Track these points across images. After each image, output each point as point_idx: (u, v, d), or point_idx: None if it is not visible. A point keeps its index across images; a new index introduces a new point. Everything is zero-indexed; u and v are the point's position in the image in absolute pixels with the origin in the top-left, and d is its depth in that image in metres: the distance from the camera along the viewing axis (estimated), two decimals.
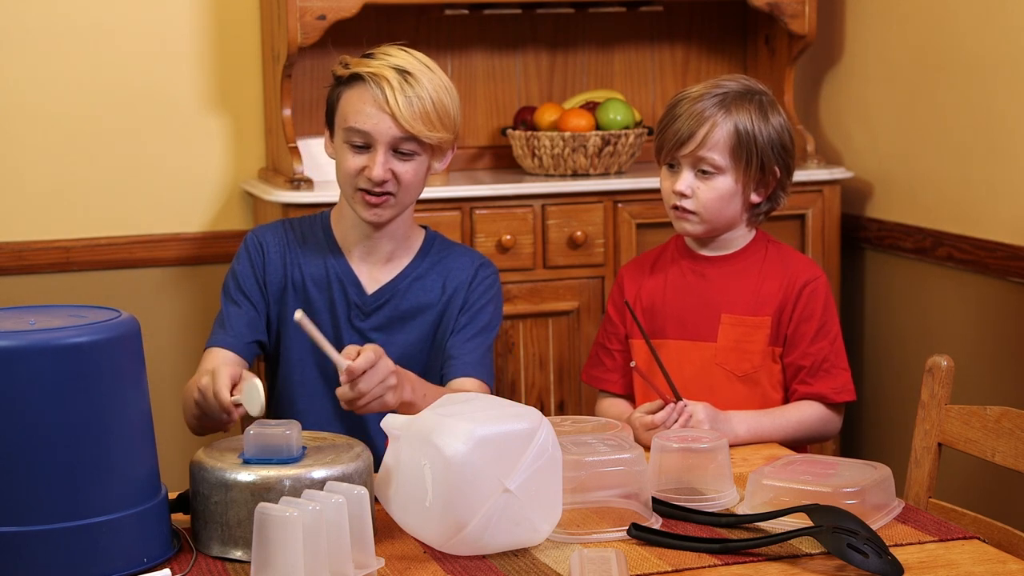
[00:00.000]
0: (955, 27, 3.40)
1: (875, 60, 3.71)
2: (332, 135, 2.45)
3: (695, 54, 3.98)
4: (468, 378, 2.42)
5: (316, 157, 3.54)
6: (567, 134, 3.55)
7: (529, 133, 3.60)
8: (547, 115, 3.66)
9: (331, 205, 3.26)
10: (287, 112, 3.48)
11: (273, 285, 2.46)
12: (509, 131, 3.66)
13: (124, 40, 3.57)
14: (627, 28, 3.92)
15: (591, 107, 3.68)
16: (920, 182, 3.56)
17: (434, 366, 2.48)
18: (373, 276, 2.47)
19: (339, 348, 2.43)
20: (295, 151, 3.42)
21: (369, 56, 2.40)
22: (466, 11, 3.68)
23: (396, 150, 2.36)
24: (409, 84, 2.34)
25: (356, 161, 2.37)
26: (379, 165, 2.35)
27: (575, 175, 3.58)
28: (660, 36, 3.95)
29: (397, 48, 2.41)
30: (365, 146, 2.36)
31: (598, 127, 3.61)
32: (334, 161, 2.47)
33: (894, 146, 3.65)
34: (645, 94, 3.95)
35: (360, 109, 2.35)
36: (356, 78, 2.36)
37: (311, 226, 2.51)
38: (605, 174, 3.59)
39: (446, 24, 3.76)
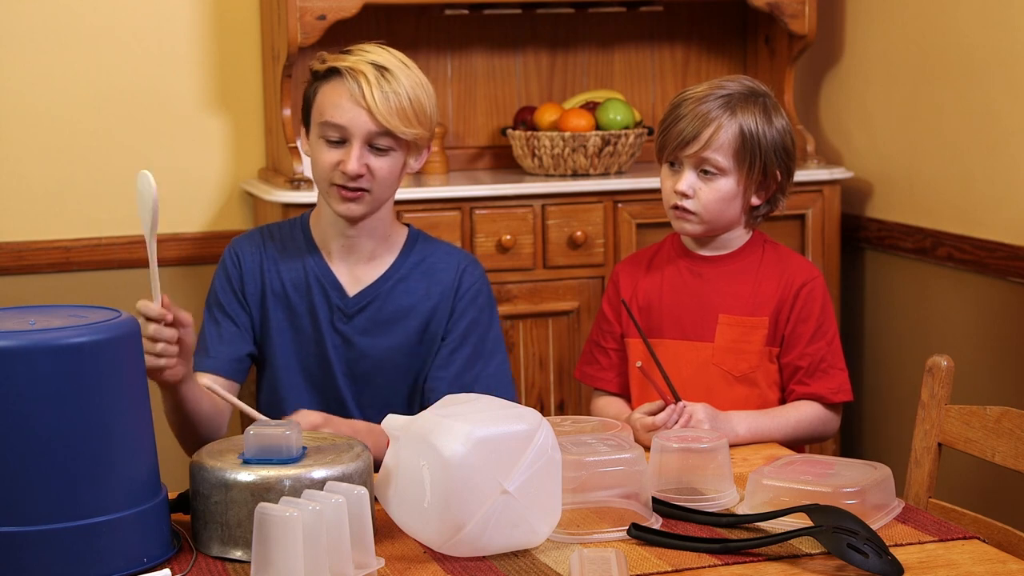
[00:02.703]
0: (955, 27, 3.40)
1: (875, 60, 3.71)
2: (308, 132, 2.43)
3: (695, 54, 3.98)
4: None
5: None
6: (567, 134, 3.55)
7: (529, 133, 3.60)
8: (547, 115, 3.66)
9: None
10: (287, 112, 3.48)
11: (252, 295, 2.44)
12: (509, 131, 3.66)
13: (124, 40, 3.57)
14: (627, 28, 3.92)
15: (591, 107, 3.68)
16: (920, 182, 3.56)
17: (419, 374, 2.46)
18: (355, 276, 2.45)
19: (323, 350, 2.43)
20: (295, 151, 3.42)
21: (347, 52, 2.38)
22: (466, 11, 3.68)
23: (372, 145, 2.35)
24: (386, 79, 2.33)
25: (331, 156, 2.35)
26: (354, 159, 2.33)
27: (575, 175, 3.58)
28: (660, 36, 3.95)
29: (375, 45, 2.40)
30: (341, 141, 2.35)
31: (598, 127, 3.61)
32: (311, 156, 2.46)
33: (894, 146, 3.65)
34: (645, 94, 3.95)
35: (336, 103, 2.34)
36: (332, 72, 2.36)
37: (290, 230, 2.49)
38: (605, 174, 3.59)
39: (446, 24, 3.77)
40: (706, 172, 2.42)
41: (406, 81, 2.35)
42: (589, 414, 2.58)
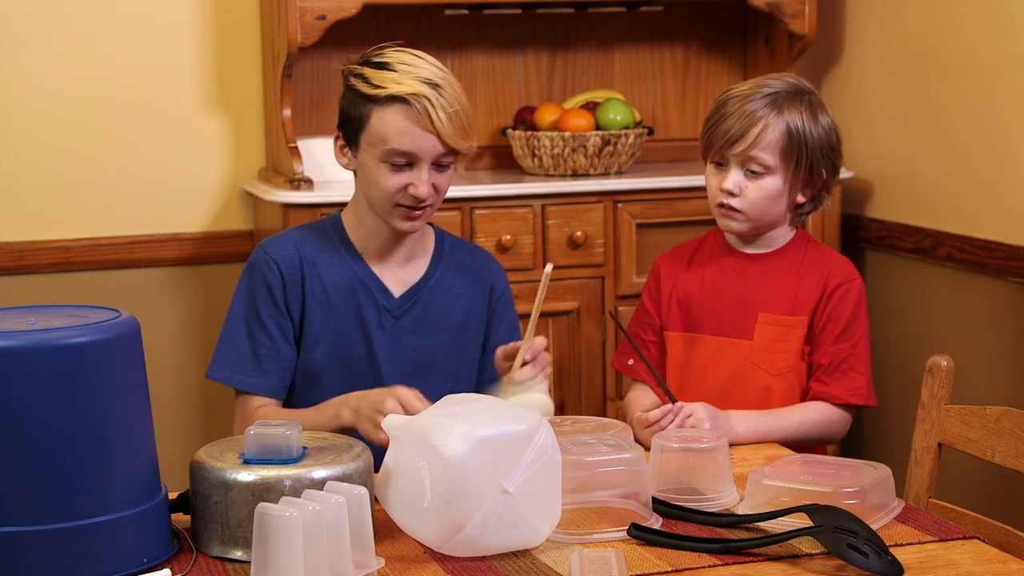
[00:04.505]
0: (955, 27, 3.40)
1: (875, 60, 3.71)
2: (353, 147, 2.40)
3: (695, 54, 3.98)
4: None
5: (316, 157, 3.54)
6: (567, 134, 3.55)
7: (529, 133, 3.60)
8: (547, 115, 3.66)
9: (331, 205, 3.27)
10: (287, 112, 3.48)
11: (293, 303, 2.42)
12: (509, 131, 3.66)
13: (124, 40, 3.57)
14: (627, 28, 3.92)
15: (591, 107, 3.68)
16: (920, 182, 3.56)
17: (459, 373, 2.47)
18: (397, 278, 2.46)
19: (372, 352, 2.43)
20: (295, 151, 3.42)
21: (383, 66, 2.36)
22: (466, 11, 3.68)
23: (435, 164, 2.36)
24: (443, 97, 2.33)
25: (397, 180, 2.35)
26: (425, 183, 2.34)
27: (575, 175, 3.58)
28: (660, 36, 3.95)
29: (405, 53, 2.39)
30: (403, 164, 2.35)
31: (598, 127, 3.61)
32: (351, 171, 2.44)
33: (894, 146, 3.65)
34: (645, 94, 3.95)
35: (404, 130, 2.32)
36: (393, 99, 2.33)
37: (323, 232, 2.47)
38: (605, 174, 3.59)
39: (446, 24, 3.77)
40: (752, 171, 2.42)
41: (454, 93, 2.35)
42: (594, 415, 2.58)
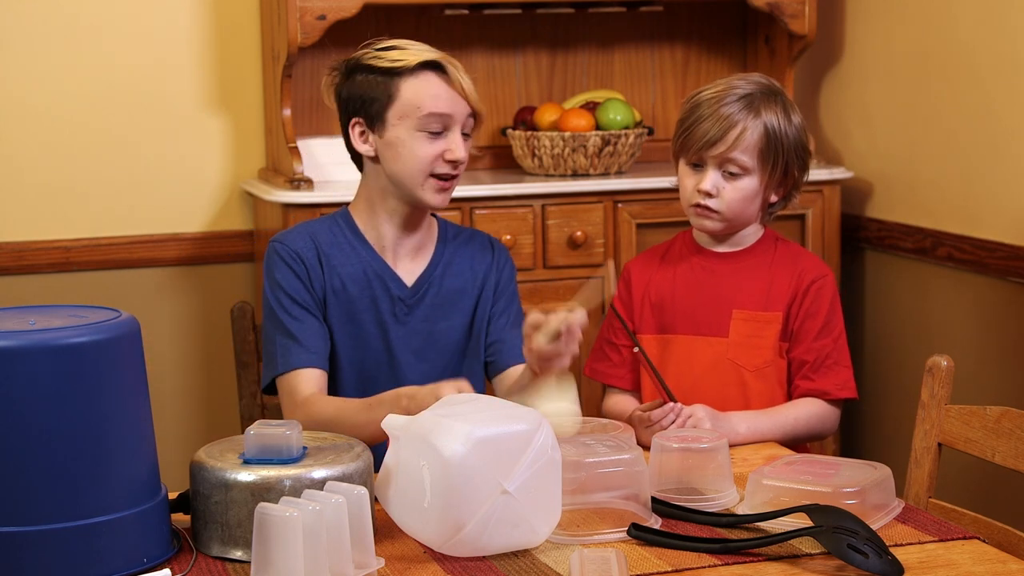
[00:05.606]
0: (955, 27, 3.40)
1: (875, 60, 3.71)
2: (379, 127, 2.41)
3: (695, 54, 3.98)
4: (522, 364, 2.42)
5: (316, 157, 3.54)
6: (567, 134, 3.55)
7: (529, 133, 3.60)
8: (547, 115, 3.66)
9: (331, 205, 3.27)
10: (287, 112, 3.48)
11: (317, 293, 2.44)
12: (509, 131, 3.66)
13: (124, 40, 3.57)
14: (627, 28, 3.92)
15: (591, 107, 3.68)
16: (920, 182, 3.56)
17: (472, 350, 2.50)
18: (408, 269, 2.48)
19: (388, 343, 2.44)
20: (295, 151, 3.42)
21: (397, 48, 2.41)
22: (466, 11, 3.68)
23: (462, 131, 2.42)
24: (458, 66, 2.41)
25: (434, 147, 2.39)
26: (460, 146, 2.39)
27: (575, 175, 3.58)
28: (660, 36, 3.95)
29: (409, 41, 2.44)
30: (439, 131, 2.39)
31: (598, 127, 3.61)
32: (371, 157, 2.44)
33: (894, 146, 3.66)
34: (645, 94, 3.95)
35: (438, 93, 2.38)
36: (424, 66, 2.38)
37: (334, 227, 2.48)
38: (605, 174, 3.59)
39: (446, 24, 3.77)
40: (730, 172, 2.43)
41: (463, 66, 2.44)
42: (594, 414, 2.58)
